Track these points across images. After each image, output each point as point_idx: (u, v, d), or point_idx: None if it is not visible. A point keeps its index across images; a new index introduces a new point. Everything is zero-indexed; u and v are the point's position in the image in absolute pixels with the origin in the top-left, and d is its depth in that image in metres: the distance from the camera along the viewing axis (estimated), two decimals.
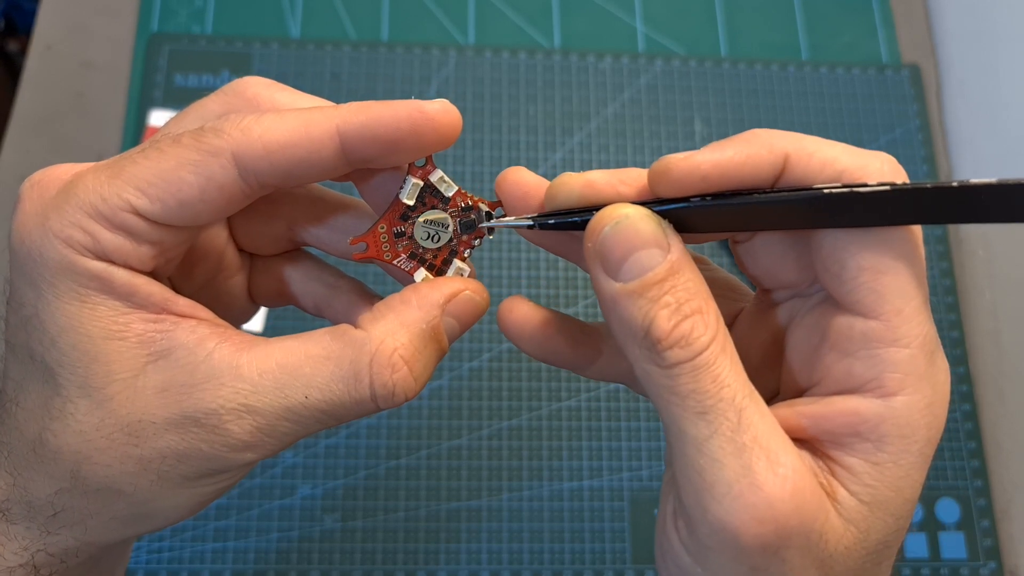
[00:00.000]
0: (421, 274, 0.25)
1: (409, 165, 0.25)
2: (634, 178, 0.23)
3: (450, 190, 0.25)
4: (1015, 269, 0.58)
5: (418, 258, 0.25)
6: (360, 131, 0.22)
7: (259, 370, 0.22)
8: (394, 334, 0.23)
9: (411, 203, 0.25)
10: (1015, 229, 0.57)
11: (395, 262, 0.25)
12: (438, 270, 0.25)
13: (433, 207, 0.25)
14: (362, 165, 0.23)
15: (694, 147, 0.60)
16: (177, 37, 0.59)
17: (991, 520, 0.52)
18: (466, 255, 0.26)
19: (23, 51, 0.65)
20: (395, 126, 0.22)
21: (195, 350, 0.22)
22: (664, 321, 0.20)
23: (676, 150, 0.59)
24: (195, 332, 0.22)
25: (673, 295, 0.20)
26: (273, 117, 0.22)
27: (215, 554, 0.48)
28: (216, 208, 0.22)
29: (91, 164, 0.22)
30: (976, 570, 0.51)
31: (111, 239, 0.21)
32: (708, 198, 0.22)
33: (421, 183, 0.25)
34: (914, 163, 0.61)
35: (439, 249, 0.25)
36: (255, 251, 0.28)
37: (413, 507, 0.50)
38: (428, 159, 0.25)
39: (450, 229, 0.25)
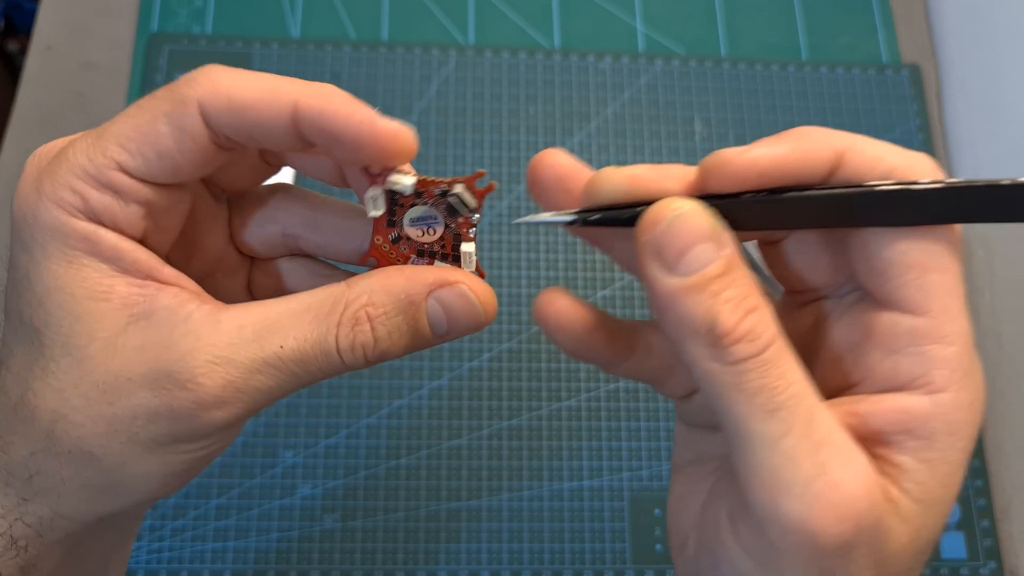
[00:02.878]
0: (438, 266, 0.25)
1: (366, 174, 0.24)
2: (678, 174, 0.23)
3: (407, 188, 0.24)
4: (1015, 269, 0.58)
5: (427, 253, 0.25)
6: (310, 115, 0.22)
7: (239, 324, 0.22)
8: (372, 291, 0.23)
9: (379, 215, 0.25)
10: (1015, 229, 0.57)
11: (409, 264, 0.25)
12: (452, 257, 0.25)
13: (412, 204, 0.25)
14: (314, 149, 0.24)
15: (694, 148, 0.60)
16: (177, 37, 0.59)
17: (991, 520, 0.52)
18: (471, 235, 0.25)
19: (23, 51, 0.65)
20: (342, 126, 0.22)
21: (176, 310, 0.22)
22: (728, 316, 0.20)
23: (676, 151, 0.59)
24: (178, 296, 0.23)
25: (733, 290, 0.20)
26: (245, 76, 0.22)
27: (215, 554, 0.48)
28: (193, 160, 0.23)
29: (83, 132, 0.23)
30: (976, 570, 0.51)
31: (99, 199, 0.22)
32: (762, 193, 0.21)
33: (380, 191, 0.24)
34: None
35: (441, 238, 0.25)
36: (253, 254, 0.28)
37: (413, 507, 0.50)
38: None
39: (439, 218, 0.25)
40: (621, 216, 0.23)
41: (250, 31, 0.60)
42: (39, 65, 0.58)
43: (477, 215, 0.25)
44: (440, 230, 0.25)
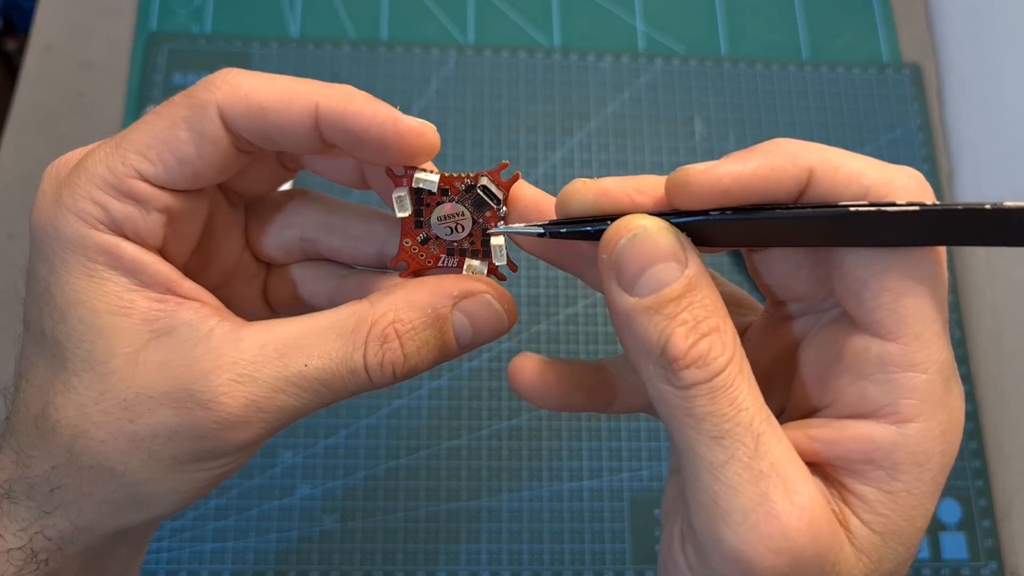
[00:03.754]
0: (470, 264, 0.25)
1: (390, 175, 0.24)
2: (650, 186, 0.22)
3: (433, 185, 0.24)
4: (1016, 269, 0.58)
5: (457, 251, 0.25)
6: (333, 116, 0.22)
7: (261, 342, 0.22)
8: (397, 308, 0.23)
9: (407, 215, 0.24)
10: None
11: (439, 265, 0.25)
12: (483, 252, 0.25)
13: (438, 203, 0.24)
14: (335, 151, 0.24)
15: (694, 147, 0.60)
16: (176, 36, 0.59)
17: (992, 520, 0.52)
18: (500, 228, 0.25)
19: (21, 50, 0.65)
20: (365, 127, 0.22)
21: (197, 326, 0.22)
22: (681, 339, 0.19)
23: (676, 150, 0.59)
24: (198, 312, 0.23)
25: (690, 312, 0.20)
26: (263, 78, 0.22)
27: (214, 555, 0.48)
28: (214, 165, 0.23)
29: (100, 142, 0.23)
30: (977, 570, 0.51)
31: (120, 208, 0.22)
32: (728, 212, 0.21)
33: (405, 191, 0.24)
34: (915, 163, 0.60)
35: (470, 235, 0.25)
36: (270, 260, 0.28)
37: (412, 508, 0.50)
38: (405, 166, 0.24)
39: (467, 214, 0.25)
40: (587, 230, 0.22)
41: (249, 30, 0.60)
42: (38, 65, 0.58)
43: (504, 207, 0.24)
44: (468, 226, 0.25)
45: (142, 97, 0.57)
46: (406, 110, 0.23)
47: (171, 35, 0.59)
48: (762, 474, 0.19)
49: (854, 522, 0.20)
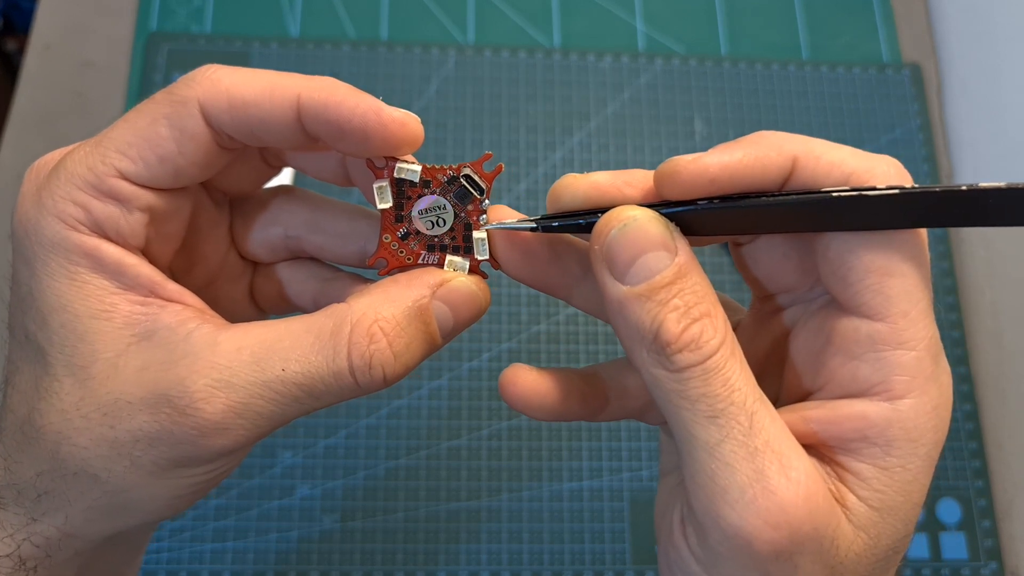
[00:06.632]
0: (451, 261, 0.25)
1: (371, 166, 0.24)
2: (639, 180, 0.23)
3: (415, 175, 0.24)
4: (1016, 269, 0.58)
5: (437, 247, 0.25)
6: (315, 107, 0.22)
7: (237, 346, 0.22)
8: (377, 307, 0.22)
9: (388, 206, 0.24)
10: (1017, 228, 0.57)
11: (419, 261, 0.25)
12: (464, 248, 0.25)
13: (420, 195, 0.24)
14: (319, 144, 0.23)
15: (694, 147, 0.60)
16: (176, 36, 0.59)
17: (992, 520, 0.52)
18: (481, 222, 0.25)
19: (21, 50, 0.65)
20: (347, 117, 0.22)
21: (176, 329, 0.22)
22: (673, 324, 0.20)
23: (676, 150, 0.59)
24: (180, 315, 0.22)
25: (681, 298, 0.20)
26: (245, 73, 0.22)
27: (214, 555, 0.48)
28: (196, 162, 0.22)
29: (81, 141, 0.23)
30: (977, 570, 0.51)
31: (101, 208, 0.22)
32: (715, 201, 0.21)
33: (386, 182, 0.24)
34: (915, 163, 0.60)
35: (451, 229, 0.24)
36: (255, 259, 0.28)
37: (412, 508, 0.50)
38: (387, 158, 0.24)
39: (449, 208, 0.24)
40: (579, 223, 0.23)
41: (249, 30, 0.60)
42: (38, 64, 0.58)
43: (487, 201, 0.24)
44: (450, 220, 0.24)
45: (142, 97, 0.56)
46: (406, 109, 0.23)
47: (171, 35, 0.59)
48: (757, 451, 0.20)
49: (851, 499, 0.21)
